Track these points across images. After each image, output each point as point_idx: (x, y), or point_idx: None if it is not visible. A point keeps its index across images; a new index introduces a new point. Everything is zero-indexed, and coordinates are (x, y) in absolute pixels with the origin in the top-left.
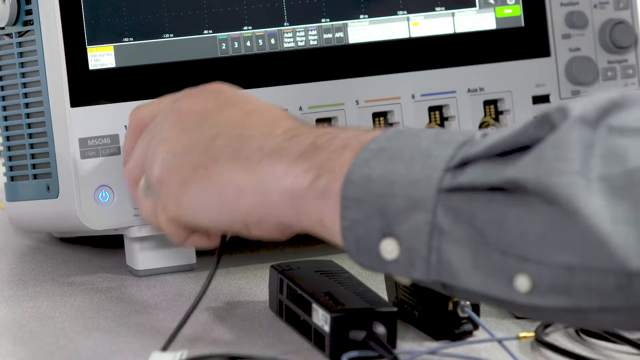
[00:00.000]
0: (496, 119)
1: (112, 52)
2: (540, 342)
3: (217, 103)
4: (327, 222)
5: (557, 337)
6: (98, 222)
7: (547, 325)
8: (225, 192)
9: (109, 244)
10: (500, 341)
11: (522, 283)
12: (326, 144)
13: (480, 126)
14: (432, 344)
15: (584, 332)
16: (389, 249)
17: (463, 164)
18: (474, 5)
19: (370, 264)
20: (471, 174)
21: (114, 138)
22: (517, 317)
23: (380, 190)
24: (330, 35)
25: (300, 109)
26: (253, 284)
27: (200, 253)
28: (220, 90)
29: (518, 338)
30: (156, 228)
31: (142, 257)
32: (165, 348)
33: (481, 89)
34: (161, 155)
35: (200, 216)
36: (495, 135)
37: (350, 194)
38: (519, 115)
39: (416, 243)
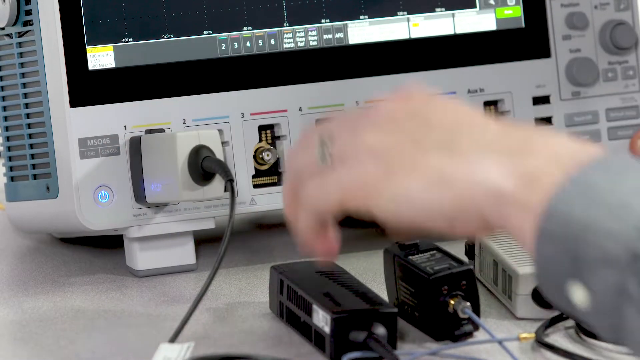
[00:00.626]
0: None
1: (112, 52)
2: (541, 342)
3: (421, 101)
4: (525, 236)
5: (558, 338)
6: (97, 222)
7: (547, 326)
8: (432, 182)
9: (109, 245)
10: (500, 342)
11: None
12: (539, 147)
13: None
14: (433, 345)
15: (584, 332)
16: (577, 294)
17: None
18: (474, 6)
19: (557, 302)
20: None
21: (114, 138)
22: (518, 318)
23: (576, 233)
24: (330, 36)
25: (300, 109)
26: (253, 284)
27: (199, 254)
28: (417, 93)
29: (518, 339)
30: (306, 202)
31: (142, 257)
32: (173, 340)
33: (481, 90)
34: (368, 142)
35: (403, 209)
36: None
37: (547, 228)
38: (519, 116)
39: (602, 299)
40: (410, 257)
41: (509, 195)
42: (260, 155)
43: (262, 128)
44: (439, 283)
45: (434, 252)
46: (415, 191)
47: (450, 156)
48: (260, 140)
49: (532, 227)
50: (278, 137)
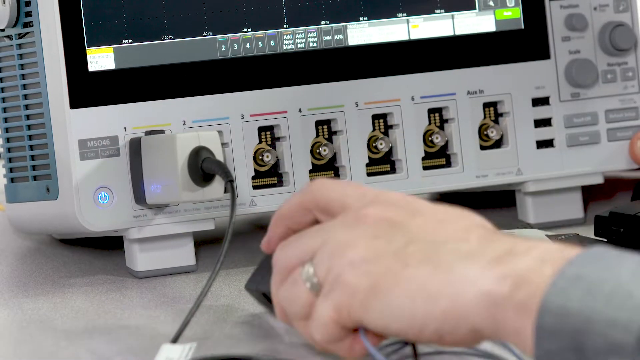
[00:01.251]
0: (496, 121)
1: (112, 53)
2: None
3: (408, 211)
4: (524, 338)
5: None
6: (97, 224)
7: None
8: (417, 298)
9: (109, 246)
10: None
11: None
12: (524, 251)
13: (480, 128)
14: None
15: None
16: None
17: None
18: (474, 8)
19: None
20: None
21: (114, 139)
22: None
23: (576, 326)
24: (329, 37)
25: (300, 110)
26: None
27: (199, 255)
28: (408, 199)
29: None
30: (298, 320)
31: (141, 258)
32: (174, 340)
33: (481, 91)
34: (349, 258)
35: (391, 323)
36: None
37: (546, 324)
38: (519, 118)
39: None
40: None
41: (503, 299)
42: (260, 157)
43: (261, 129)
44: None
45: None
46: (401, 307)
47: (434, 269)
48: (260, 142)
49: (530, 327)
50: (278, 139)
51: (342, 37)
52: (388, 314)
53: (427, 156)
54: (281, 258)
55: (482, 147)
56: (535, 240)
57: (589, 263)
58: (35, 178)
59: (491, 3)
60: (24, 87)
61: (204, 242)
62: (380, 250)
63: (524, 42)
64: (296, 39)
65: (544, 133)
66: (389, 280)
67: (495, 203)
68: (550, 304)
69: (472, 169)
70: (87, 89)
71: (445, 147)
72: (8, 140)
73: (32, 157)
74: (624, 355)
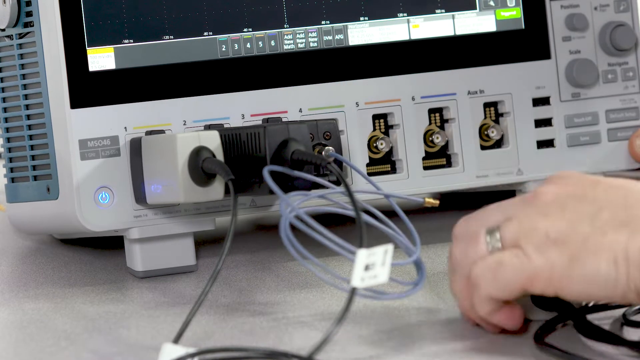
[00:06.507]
0: (496, 121)
1: (112, 53)
2: (540, 343)
3: (585, 183)
4: None
5: (557, 338)
6: (98, 224)
7: (546, 327)
8: (620, 264)
9: (110, 246)
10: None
11: None
12: None
13: (481, 128)
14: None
15: (583, 333)
16: None
17: None
18: (474, 8)
19: None
20: None
21: (114, 139)
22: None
23: None
24: (330, 37)
25: (300, 110)
26: (254, 285)
27: (199, 255)
28: (576, 176)
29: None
30: (464, 279)
31: (142, 258)
32: (176, 340)
33: (481, 91)
34: (543, 229)
35: (593, 290)
36: None
37: None
38: (519, 118)
39: None
40: None
41: None
42: None
43: None
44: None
45: None
46: (605, 273)
47: (631, 234)
48: None
49: None
50: None
51: (342, 37)
52: (591, 281)
53: (428, 156)
54: (464, 227)
55: (483, 147)
56: None
57: None
58: (35, 178)
59: (492, 3)
60: (25, 87)
61: (205, 242)
62: (574, 222)
63: (524, 42)
64: (297, 38)
65: (544, 133)
66: (589, 248)
67: None
68: None
69: (473, 169)
70: (88, 89)
71: (445, 147)
72: (8, 140)
73: (33, 157)
74: None
